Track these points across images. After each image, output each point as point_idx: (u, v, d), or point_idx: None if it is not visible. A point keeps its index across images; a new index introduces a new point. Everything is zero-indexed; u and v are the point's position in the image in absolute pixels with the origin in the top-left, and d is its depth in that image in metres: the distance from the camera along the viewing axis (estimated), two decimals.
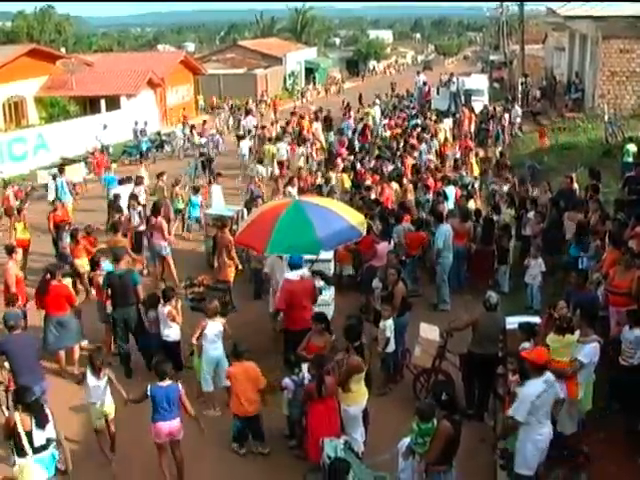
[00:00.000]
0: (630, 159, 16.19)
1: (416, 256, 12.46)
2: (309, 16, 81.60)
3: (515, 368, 7.15)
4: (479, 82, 33.72)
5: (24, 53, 32.41)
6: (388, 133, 24.76)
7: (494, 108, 28.46)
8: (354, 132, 24.84)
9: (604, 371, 7.82)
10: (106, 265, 10.68)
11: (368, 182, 15.69)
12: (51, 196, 16.79)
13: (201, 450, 7.98)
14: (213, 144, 25.58)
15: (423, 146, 20.06)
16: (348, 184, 16.32)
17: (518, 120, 26.67)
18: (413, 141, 20.51)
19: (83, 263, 11.97)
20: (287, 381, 7.76)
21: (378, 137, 25.06)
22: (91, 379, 7.61)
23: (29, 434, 6.45)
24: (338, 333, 8.33)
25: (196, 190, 16.29)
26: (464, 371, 8.61)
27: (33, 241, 14.17)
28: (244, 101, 40.50)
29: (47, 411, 6.72)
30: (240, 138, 25.08)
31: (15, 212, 14.00)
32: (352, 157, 19.73)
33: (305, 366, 7.64)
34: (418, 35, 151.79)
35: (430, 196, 14.58)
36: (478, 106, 28.64)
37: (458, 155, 20.30)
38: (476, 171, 18.71)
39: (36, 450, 6.49)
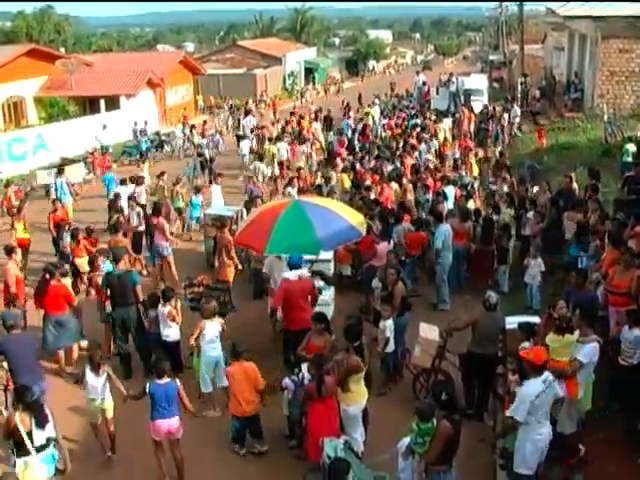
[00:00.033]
0: (629, 159, 16.19)
1: (416, 256, 12.47)
2: (308, 16, 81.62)
3: (515, 368, 7.15)
4: (478, 82, 33.78)
5: (23, 53, 32.40)
6: (387, 133, 24.78)
7: (494, 108, 28.49)
8: (354, 132, 24.87)
9: (603, 371, 7.83)
10: (106, 265, 10.70)
11: (368, 182, 15.69)
12: (54, 194, 16.79)
13: (201, 450, 7.98)
14: (213, 144, 25.59)
15: (422, 146, 20.08)
16: (348, 184, 16.31)
17: (517, 120, 26.70)
18: (413, 141, 20.52)
19: (83, 263, 11.98)
20: (287, 381, 7.76)
21: (378, 137, 25.08)
22: (90, 375, 7.64)
23: (29, 434, 6.46)
24: (338, 333, 8.33)
25: (197, 190, 16.30)
26: (464, 371, 8.62)
27: (33, 241, 14.17)
28: (244, 101, 40.50)
29: (47, 411, 6.73)
30: (240, 138, 25.11)
31: (15, 211, 14.03)
32: (351, 157, 19.76)
33: (305, 366, 7.64)
34: (417, 35, 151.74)
35: (430, 196, 14.59)
36: (477, 106, 28.69)
37: (457, 155, 20.31)
38: (475, 171, 18.73)
39: (36, 450, 6.50)
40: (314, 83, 58.89)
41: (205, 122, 29.69)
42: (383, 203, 14.10)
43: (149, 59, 39.63)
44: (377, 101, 32.43)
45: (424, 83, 36.72)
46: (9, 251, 11.07)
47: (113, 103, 33.01)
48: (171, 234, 13.66)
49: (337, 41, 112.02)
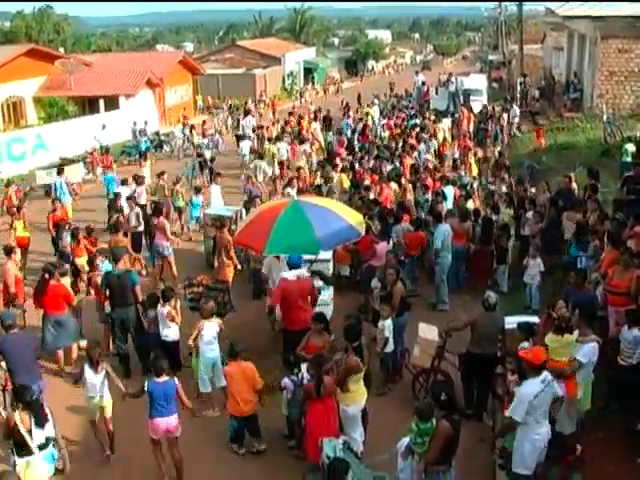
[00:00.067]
0: (629, 159, 16.18)
1: (415, 256, 12.47)
2: (308, 16, 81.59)
3: (514, 368, 7.15)
4: (478, 82, 33.78)
5: (23, 53, 32.37)
6: (387, 133, 24.79)
7: (493, 108, 28.48)
8: (353, 132, 24.87)
9: (603, 371, 7.83)
10: (105, 265, 10.69)
11: (367, 182, 15.70)
12: (54, 194, 16.78)
13: (200, 450, 7.98)
14: (213, 144, 25.59)
15: (422, 146, 20.08)
16: (347, 184, 16.32)
17: (516, 120, 26.70)
18: (412, 141, 20.52)
19: (84, 262, 11.98)
20: (286, 381, 7.76)
21: (377, 137, 25.08)
22: (89, 373, 7.66)
23: (28, 433, 6.45)
24: (337, 333, 8.33)
25: (198, 190, 16.29)
26: (463, 371, 8.62)
27: (32, 240, 14.17)
28: (243, 101, 40.50)
29: (46, 410, 6.73)
30: (239, 138, 25.10)
31: (15, 210, 14.03)
32: (351, 157, 19.75)
33: (304, 366, 7.64)
34: (417, 35, 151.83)
35: (429, 196, 14.59)
36: (477, 106, 28.69)
37: (457, 155, 20.32)
38: (475, 171, 18.73)
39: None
40: (313, 83, 58.89)
41: (204, 122, 29.69)
42: (382, 203, 14.10)
43: (148, 59, 39.61)
44: (376, 101, 32.40)
45: (423, 83, 36.69)
46: (8, 251, 11.08)
47: (112, 103, 32.99)
48: (172, 234, 13.65)
49: (336, 41, 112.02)
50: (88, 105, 33.88)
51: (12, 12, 63.84)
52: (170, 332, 9.37)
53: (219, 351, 8.72)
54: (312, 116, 27.41)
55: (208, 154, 22.37)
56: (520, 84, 33.62)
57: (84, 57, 39.67)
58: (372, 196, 14.46)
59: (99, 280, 10.26)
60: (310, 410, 7.26)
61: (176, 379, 7.36)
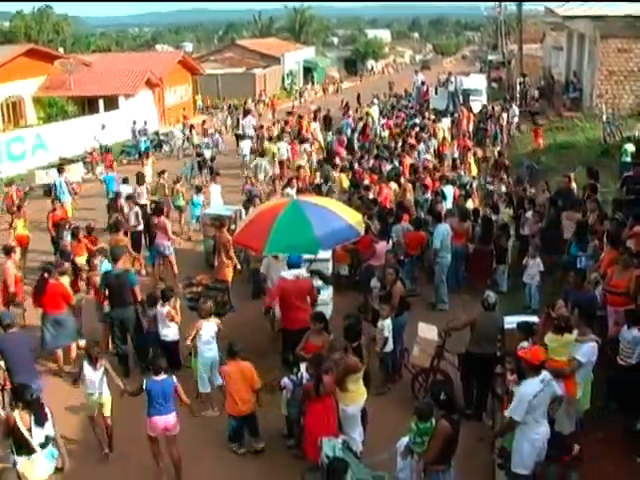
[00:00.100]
0: (628, 159, 16.19)
1: (414, 256, 12.46)
2: (307, 15, 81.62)
3: (513, 367, 7.15)
4: (477, 82, 33.78)
5: (22, 53, 32.34)
6: (386, 133, 24.79)
7: (492, 108, 28.49)
8: (353, 131, 24.87)
9: (602, 371, 7.83)
10: (104, 264, 10.69)
11: (366, 182, 15.70)
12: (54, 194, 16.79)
13: (199, 450, 7.98)
14: (213, 143, 25.60)
15: (421, 146, 20.09)
16: (346, 184, 16.32)
17: (516, 120, 26.71)
18: (411, 141, 20.53)
19: (84, 261, 11.97)
20: (286, 381, 7.76)
21: (377, 137, 25.09)
22: (88, 370, 7.66)
23: (28, 432, 6.45)
24: (336, 333, 8.33)
25: (198, 189, 16.28)
26: (462, 371, 8.62)
27: (32, 240, 14.17)
28: (242, 101, 40.49)
29: (46, 409, 6.73)
30: (239, 138, 25.09)
31: (15, 209, 14.04)
32: (351, 157, 19.75)
33: (303, 366, 7.64)
34: (416, 34, 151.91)
35: (428, 196, 14.59)
36: (476, 106, 28.70)
37: (456, 155, 20.35)
38: (474, 171, 18.74)
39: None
40: (313, 83, 58.92)
41: (204, 122, 29.70)
42: (382, 203, 14.10)
43: (148, 59, 39.60)
44: (376, 101, 32.42)
45: (423, 83, 36.70)
46: (8, 250, 11.08)
47: (112, 103, 32.97)
48: (173, 233, 13.65)
49: (336, 41, 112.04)
50: (88, 105, 33.87)
51: (12, 12, 63.78)
52: (169, 332, 9.37)
53: (218, 351, 8.72)
54: (312, 116, 27.42)
55: (208, 154, 22.39)
56: (519, 84, 33.66)
57: (83, 57, 39.62)
58: (371, 196, 14.46)
59: (98, 280, 10.26)
60: (309, 410, 7.26)
61: (174, 377, 7.36)
